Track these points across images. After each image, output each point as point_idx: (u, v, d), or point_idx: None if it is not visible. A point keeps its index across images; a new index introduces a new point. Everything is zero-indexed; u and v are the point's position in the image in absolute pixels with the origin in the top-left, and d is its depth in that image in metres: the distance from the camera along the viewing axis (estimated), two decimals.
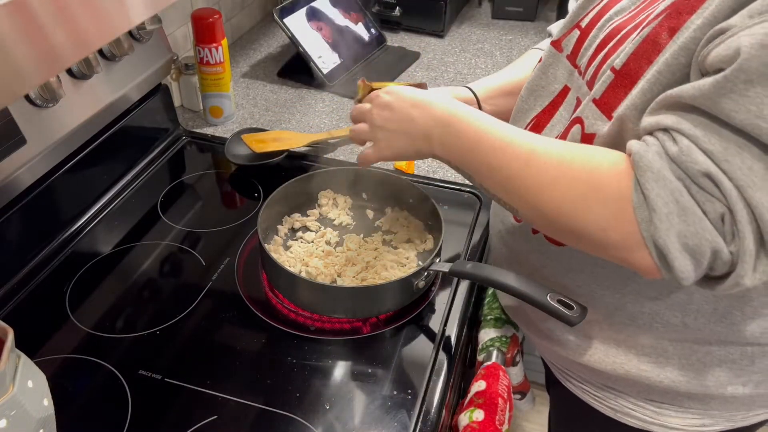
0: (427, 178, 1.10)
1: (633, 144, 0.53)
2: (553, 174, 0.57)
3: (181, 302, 0.86)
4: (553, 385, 0.89)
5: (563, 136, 0.66)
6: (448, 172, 1.13)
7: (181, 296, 0.87)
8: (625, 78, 0.57)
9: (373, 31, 1.51)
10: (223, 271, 0.91)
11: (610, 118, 0.58)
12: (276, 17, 1.31)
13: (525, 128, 0.75)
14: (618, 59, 0.58)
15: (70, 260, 0.92)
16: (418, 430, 0.72)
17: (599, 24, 0.67)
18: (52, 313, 0.84)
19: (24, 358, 0.56)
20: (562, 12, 1.58)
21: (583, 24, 0.70)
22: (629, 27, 0.61)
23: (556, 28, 0.90)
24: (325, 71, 1.35)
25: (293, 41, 1.33)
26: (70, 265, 0.91)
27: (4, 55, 0.32)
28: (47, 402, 0.57)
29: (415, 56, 1.50)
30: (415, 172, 1.12)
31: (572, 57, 0.71)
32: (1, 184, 0.82)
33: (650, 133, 0.53)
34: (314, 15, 1.39)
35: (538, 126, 0.74)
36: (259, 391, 0.75)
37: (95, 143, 0.99)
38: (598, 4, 0.69)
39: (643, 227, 0.51)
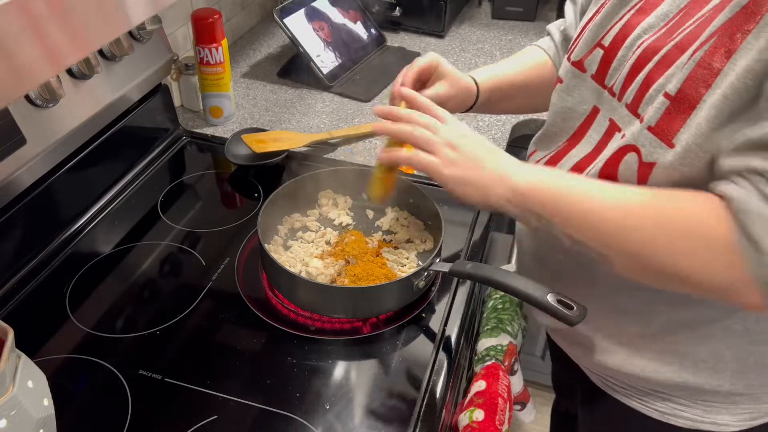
0: (427, 178, 1.10)
1: (730, 189, 0.54)
2: (651, 230, 0.57)
3: (181, 302, 0.86)
4: (588, 392, 0.87)
5: (611, 165, 0.64)
6: None
7: (181, 296, 0.87)
8: (683, 104, 0.57)
9: (373, 31, 1.51)
10: (223, 271, 0.91)
11: (670, 144, 0.58)
12: (276, 17, 1.31)
13: (556, 151, 0.74)
14: (671, 84, 0.57)
15: (70, 260, 0.92)
16: (418, 430, 0.72)
17: (627, 43, 0.65)
18: (52, 313, 0.84)
19: (24, 358, 0.56)
20: (562, 12, 1.58)
21: (606, 42, 0.68)
22: (668, 47, 0.60)
23: (555, 27, 0.90)
24: (324, 71, 1.35)
25: (293, 41, 1.33)
26: (70, 265, 0.91)
27: (4, 55, 0.32)
28: (47, 402, 0.57)
29: (414, 56, 1.49)
30: (415, 173, 1.12)
31: (599, 77, 0.69)
32: (1, 184, 0.82)
33: (738, 173, 0.54)
34: (314, 15, 1.39)
35: (567, 148, 0.73)
36: (259, 391, 0.75)
37: (95, 143, 0.99)
38: (619, 21, 0.67)
39: (753, 270, 0.53)
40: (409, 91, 0.74)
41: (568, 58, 0.73)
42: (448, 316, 0.87)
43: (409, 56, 1.50)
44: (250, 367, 0.78)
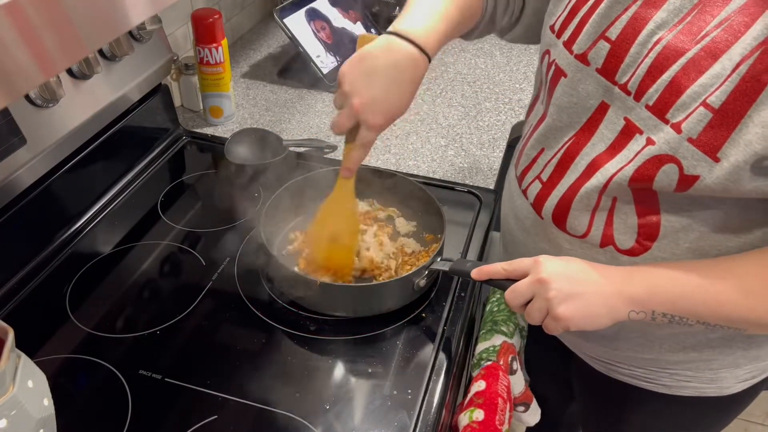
0: (427, 178, 1.10)
1: None
2: None
3: (181, 302, 0.86)
4: (588, 380, 0.90)
5: (645, 173, 0.63)
6: (448, 171, 1.13)
7: (181, 296, 0.87)
8: (727, 117, 0.57)
9: (373, 31, 1.51)
10: (223, 271, 0.91)
11: (715, 159, 0.58)
12: (276, 17, 1.31)
13: (566, 147, 0.73)
14: (713, 97, 0.57)
15: (70, 260, 0.92)
16: (418, 430, 0.72)
17: (640, 39, 0.63)
18: (52, 313, 0.84)
19: (24, 358, 0.56)
20: None
21: (612, 36, 0.65)
22: (695, 50, 0.59)
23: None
24: (324, 71, 1.35)
25: (293, 41, 1.33)
26: (70, 265, 0.91)
27: (4, 55, 0.32)
28: (47, 402, 0.57)
29: None
30: (415, 172, 1.12)
31: (606, 72, 0.67)
32: (1, 184, 0.82)
33: None
34: (314, 15, 1.39)
35: (577, 144, 0.71)
36: (259, 391, 0.75)
37: (95, 143, 0.99)
38: (624, 12, 0.65)
39: None
40: (488, 271, 0.73)
41: (570, 51, 0.70)
42: (448, 316, 0.87)
43: None
44: (250, 367, 0.78)
